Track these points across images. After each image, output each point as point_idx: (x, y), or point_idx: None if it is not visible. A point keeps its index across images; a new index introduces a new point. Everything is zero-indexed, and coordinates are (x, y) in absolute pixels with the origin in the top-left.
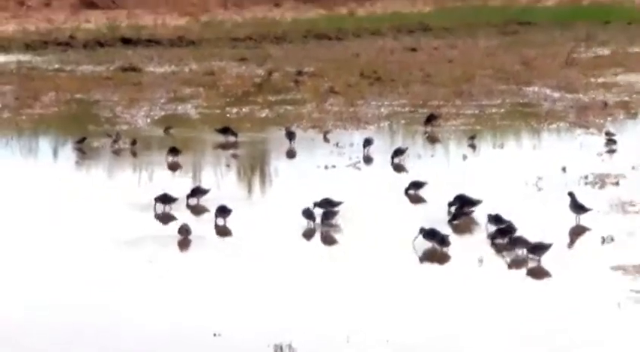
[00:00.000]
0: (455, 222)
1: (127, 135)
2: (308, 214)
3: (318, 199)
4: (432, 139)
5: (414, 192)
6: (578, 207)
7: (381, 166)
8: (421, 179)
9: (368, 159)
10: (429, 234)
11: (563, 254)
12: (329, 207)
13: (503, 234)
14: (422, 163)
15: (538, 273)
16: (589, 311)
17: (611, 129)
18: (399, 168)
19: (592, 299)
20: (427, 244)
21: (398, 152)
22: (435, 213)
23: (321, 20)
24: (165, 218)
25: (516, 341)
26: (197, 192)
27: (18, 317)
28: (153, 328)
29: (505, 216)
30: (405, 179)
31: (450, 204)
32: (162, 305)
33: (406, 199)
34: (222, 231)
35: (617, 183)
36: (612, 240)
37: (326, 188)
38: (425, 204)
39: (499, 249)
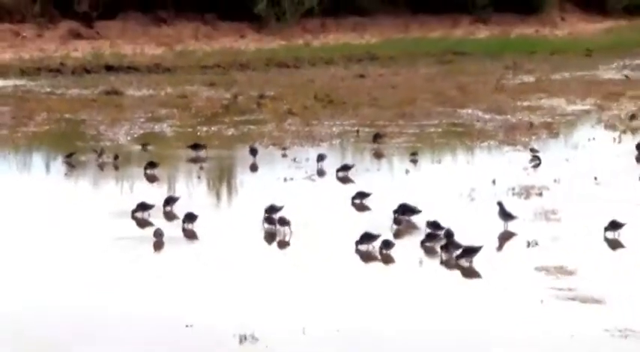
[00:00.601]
0: (398, 228)
1: (110, 150)
2: (269, 220)
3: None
4: (378, 155)
5: (360, 201)
6: (506, 215)
7: (333, 179)
8: (368, 190)
9: (321, 173)
10: (368, 237)
11: (492, 256)
12: (275, 212)
13: (434, 238)
14: (369, 176)
15: (470, 273)
16: (516, 307)
17: (536, 147)
18: (348, 180)
19: (518, 297)
20: (372, 247)
21: (344, 168)
22: (380, 220)
23: (281, 50)
24: (142, 223)
25: (449, 335)
26: (171, 200)
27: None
28: (132, 318)
29: (442, 223)
30: (353, 190)
31: (395, 212)
32: (141, 298)
33: (353, 208)
34: (192, 235)
35: (540, 194)
36: (536, 244)
37: (284, 198)
38: (370, 212)
39: (430, 251)
